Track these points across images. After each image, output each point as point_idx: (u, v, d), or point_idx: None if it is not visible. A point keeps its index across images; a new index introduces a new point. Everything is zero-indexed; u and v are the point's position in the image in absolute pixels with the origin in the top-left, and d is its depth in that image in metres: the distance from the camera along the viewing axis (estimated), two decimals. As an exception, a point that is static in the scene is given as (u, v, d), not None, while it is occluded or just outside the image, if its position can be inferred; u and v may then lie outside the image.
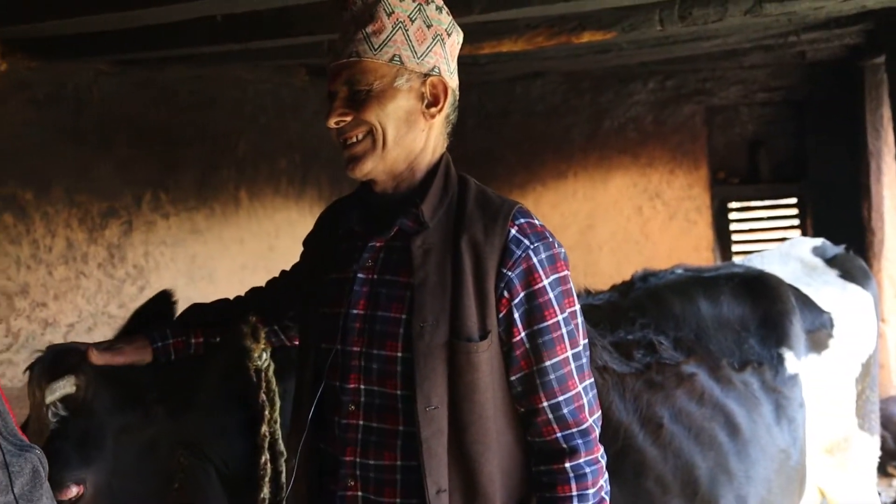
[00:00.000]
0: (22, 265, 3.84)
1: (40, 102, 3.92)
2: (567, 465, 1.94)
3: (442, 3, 2.04)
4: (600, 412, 2.05)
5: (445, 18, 2.02)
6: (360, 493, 2.01)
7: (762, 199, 7.76)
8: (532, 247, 1.94)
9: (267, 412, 2.52)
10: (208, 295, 5.07)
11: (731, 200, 7.81)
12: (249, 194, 5.45)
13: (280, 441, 2.53)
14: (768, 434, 3.02)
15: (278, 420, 2.52)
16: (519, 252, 1.93)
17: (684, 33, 4.34)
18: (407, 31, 1.95)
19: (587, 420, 1.97)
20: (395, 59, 1.95)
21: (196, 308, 2.52)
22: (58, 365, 2.29)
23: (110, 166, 4.34)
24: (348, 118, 1.97)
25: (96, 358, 2.28)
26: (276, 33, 3.14)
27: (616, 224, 7.75)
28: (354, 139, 1.99)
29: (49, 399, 2.27)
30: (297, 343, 2.46)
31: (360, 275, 2.03)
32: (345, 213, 2.17)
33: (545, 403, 1.95)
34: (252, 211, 5.44)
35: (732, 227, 7.90)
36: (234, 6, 2.82)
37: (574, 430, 1.96)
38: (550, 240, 1.98)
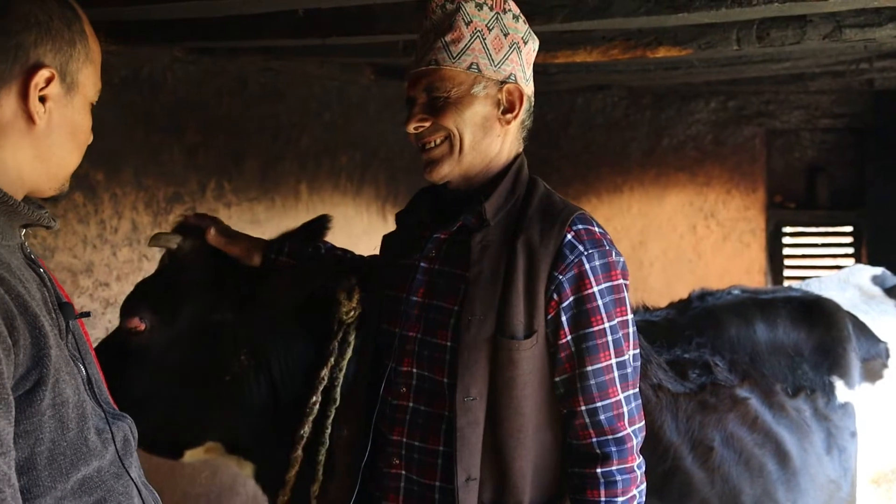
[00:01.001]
0: (88, 244, 3.92)
1: (117, 85, 4.00)
2: (598, 470, 1.99)
3: (518, 11, 2.10)
4: (643, 423, 2.07)
5: (522, 27, 2.08)
6: (403, 472, 2.09)
7: (818, 225, 7.68)
8: (586, 253, 1.98)
9: (332, 359, 2.60)
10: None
11: (786, 225, 7.75)
12: (309, 188, 5.51)
13: (338, 389, 2.61)
14: (818, 464, 3.00)
15: (343, 369, 2.61)
16: (572, 257, 1.97)
17: (757, 54, 4.33)
18: (485, 39, 2.01)
19: (625, 429, 2.00)
20: (473, 66, 2.00)
21: (326, 246, 2.71)
22: (180, 225, 2.66)
23: (179, 152, 4.41)
24: (427, 124, 2.04)
25: (212, 238, 2.58)
26: (358, 30, 3.18)
27: (668, 241, 7.72)
28: (433, 144, 2.06)
29: (151, 244, 2.65)
30: None
31: (422, 264, 2.11)
32: (420, 203, 2.25)
33: (583, 407, 1.99)
34: (311, 205, 5.50)
35: (786, 251, 7.84)
36: (319, 1, 2.87)
37: (609, 436, 1.99)
38: (607, 248, 2.01)
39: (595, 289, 1.97)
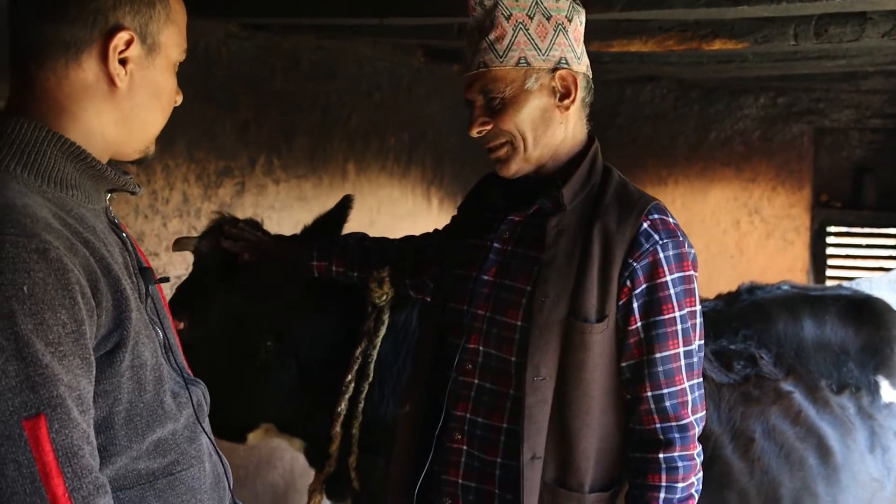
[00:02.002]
0: (140, 214, 3.97)
1: (174, 58, 4.03)
2: (661, 455, 2.01)
3: None
4: (705, 413, 2.10)
5: (564, 4, 2.05)
6: (465, 448, 2.12)
7: (864, 226, 7.59)
8: (661, 242, 2.00)
9: (366, 340, 2.73)
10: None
11: (831, 224, 7.67)
12: (357, 168, 5.54)
13: (371, 366, 2.76)
14: (861, 461, 3.00)
15: (377, 347, 2.75)
16: (647, 245, 1.99)
17: (813, 50, 4.29)
18: (528, 30, 2.00)
19: (688, 416, 2.03)
20: (522, 61, 2.00)
21: (354, 237, 2.70)
22: (207, 230, 2.82)
23: (231, 127, 4.45)
24: (489, 127, 2.07)
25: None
26: (415, 11, 3.18)
27: (711, 236, 7.68)
28: (497, 145, 2.07)
29: (174, 249, 2.87)
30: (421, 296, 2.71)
31: (495, 244, 2.13)
32: (491, 186, 2.27)
33: (649, 393, 2.02)
34: (358, 184, 5.52)
35: (829, 251, 7.76)
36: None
37: (673, 423, 2.02)
38: (681, 239, 2.03)
39: (668, 278, 2.00)
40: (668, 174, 7.76)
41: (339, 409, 2.72)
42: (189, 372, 1.67)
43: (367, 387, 2.75)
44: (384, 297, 2.68)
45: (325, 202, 5.36)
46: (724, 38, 3.47)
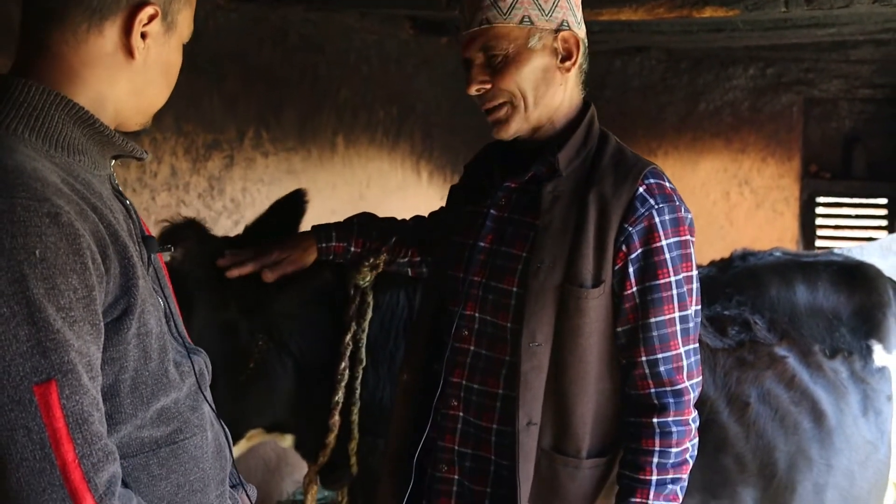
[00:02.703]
0: (128, 188, 3.94)
1: (159, 31, 4.00)
2: (655, 420, 2.01)
3: None
4: (700, 379, 2.10)
5: None
6: (461, 414, 2.12)
7: (853, 196, 7.64)
8: (657, 207, 1.99)
9: (354, 324, 2.67)
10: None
11: (820, 195, 7.71)
12: (346, 141, 5.52)
13: (362, 350, 2.69)
14: (854, 425, 3.01)
15: (366, 330, 2.68)
16: (643, 210, 1.98)
17: (803, 18, 4.27)
18: None
19: (683, 382, 2.03)
20: (525, 20, 1.99)
21: (364, 217, 2.65)
22: (174, 234, 2.54)
23: (219, 100, 4.42)
24: (488, 86, 2.04)
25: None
26: (404, -21, 3.16)
27: (701, 207, 7.70)
28: (496, 104, 2.05)
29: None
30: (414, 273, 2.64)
31: (492, 211, 2.12)
32: (487, 155, 2.26)
33: (644, 358, 2.01)
34: (347, 158, 5.51)
35: (819, 221, 7.80)
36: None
37: (668, 388, 2.02)
38: (677, 203, 2.02)
39: (663, 242, 1.99)
40: (657, 146, 7.76)
41: (336, 399, 2.68)
42: (189, 341, 1.66)
43: (361, 372, 2.71)
44: (367, 279, 2.63)
45: (315, 175, 5.37)
46: (715, 5, 3.46)
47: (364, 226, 2.59)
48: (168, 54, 1.53)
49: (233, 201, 4.63)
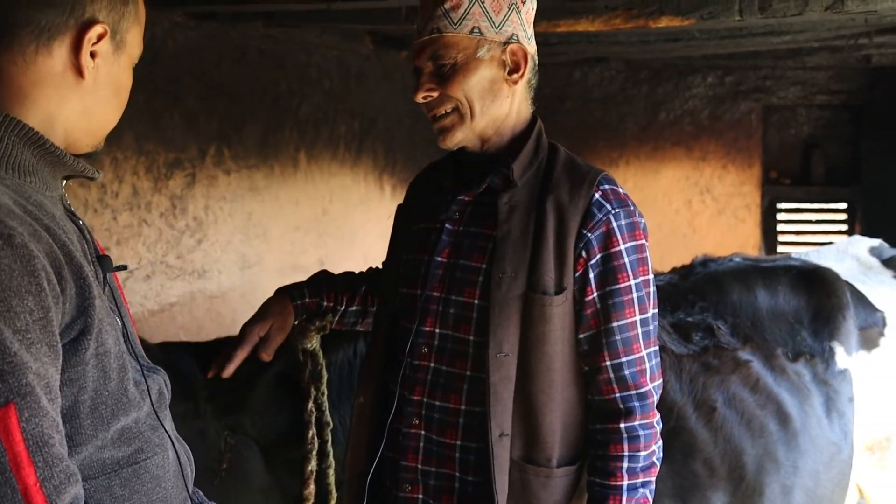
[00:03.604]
0: (89, 208, 3.92)
1: (118, 50, 3.98)
2: (622, 425, 2.02)
3: None
4: (661, 382, 2.12)
5: None
6: (423, 432, 2.11)
7: (812, 201, 7.73)
8: (613, 212, 2.01)
9: (312, 389, 2.59)
10: (262, 253, 5.16)
11: (781, 201, 7.79)
12: (308, 157, 5.51)
13: (327, 413, 2.62)
14: (818, 426, 3.04)
15: (325, 393, 2.61)
16: (600, 215, 2.00)
17: (758, 26, 4.33)
18: (483, 3, 2.03)
19: (647, 385, 2.04)
20: (475, 31, 2.02)
21: (325, 273, 2.59)
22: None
23: (179, 118, 4.40)
24: (435, 93, 2.06)
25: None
26: (365, -7, 3.17)
27: (664, 216, 7.75)
28: (443, 113, 2.07)
29: None
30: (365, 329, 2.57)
31: (447, 225, 2.12)
32: (436, 171, 2.28)
33: (608, 363, 2.02)
34: (309, 174, 5.50)
35: (780, 227, 7.88)
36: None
37: (633, 392, 2.03)
38: (632, 208, 2.05)
39: (622, 247, 2.00)
40: (619, 156, 7.81)
41: (309, 469, 2.60)
42: (147, 360, 1.64)
43: (330, 434, 2.64)
44: (313, 342, 2.52)
45: (277, 192, 5.36)
46: (671, 14, 3.49)
47: (330, 280, 2.53)
48: (118, 73, 1.52)
49: (195, 220, 4.61)
